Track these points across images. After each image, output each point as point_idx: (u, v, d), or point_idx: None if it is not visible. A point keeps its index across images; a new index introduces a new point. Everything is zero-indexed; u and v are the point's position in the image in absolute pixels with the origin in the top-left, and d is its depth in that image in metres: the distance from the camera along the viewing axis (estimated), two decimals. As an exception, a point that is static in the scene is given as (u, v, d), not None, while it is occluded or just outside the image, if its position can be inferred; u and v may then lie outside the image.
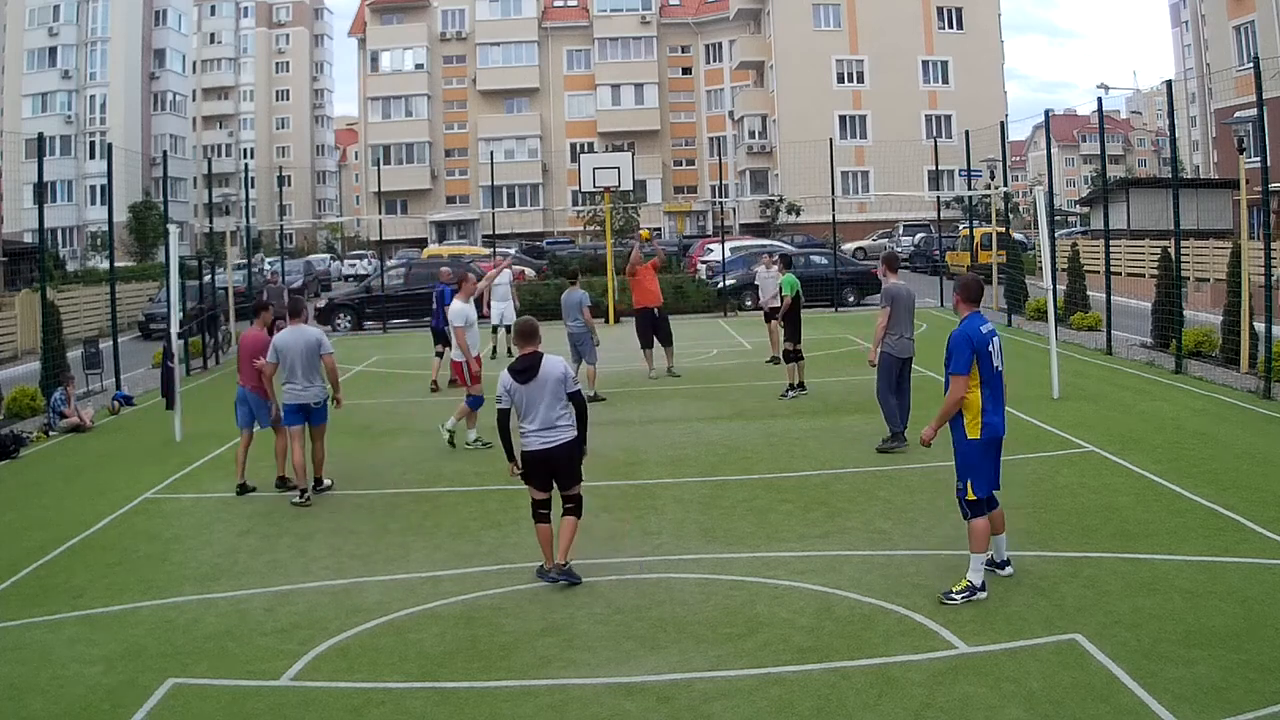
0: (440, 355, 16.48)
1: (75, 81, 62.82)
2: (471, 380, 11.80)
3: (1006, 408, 6.89)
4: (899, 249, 45.33)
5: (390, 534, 8.48)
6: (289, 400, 9.82)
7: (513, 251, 40.60)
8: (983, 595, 6.46)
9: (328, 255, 61.08)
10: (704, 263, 34.04)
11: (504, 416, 7.16)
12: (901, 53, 59.19)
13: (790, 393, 14.16)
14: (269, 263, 34.26)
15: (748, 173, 63.88)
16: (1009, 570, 6.82)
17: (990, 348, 6.70)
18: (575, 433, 7.06)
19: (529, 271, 34.30)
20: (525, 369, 6.97)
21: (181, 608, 6.91)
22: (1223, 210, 31.90)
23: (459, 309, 12.14)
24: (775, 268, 16.33)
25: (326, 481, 10.12)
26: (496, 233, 32.71)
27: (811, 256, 30.48)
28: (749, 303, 28.03)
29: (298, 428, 9.78)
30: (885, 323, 10.84)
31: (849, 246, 44.88)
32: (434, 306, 17.28)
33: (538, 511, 7.14)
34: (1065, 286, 21.19)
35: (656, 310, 16.35)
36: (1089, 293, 21.17)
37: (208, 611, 6.81)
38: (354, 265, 52.90)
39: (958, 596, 6.43)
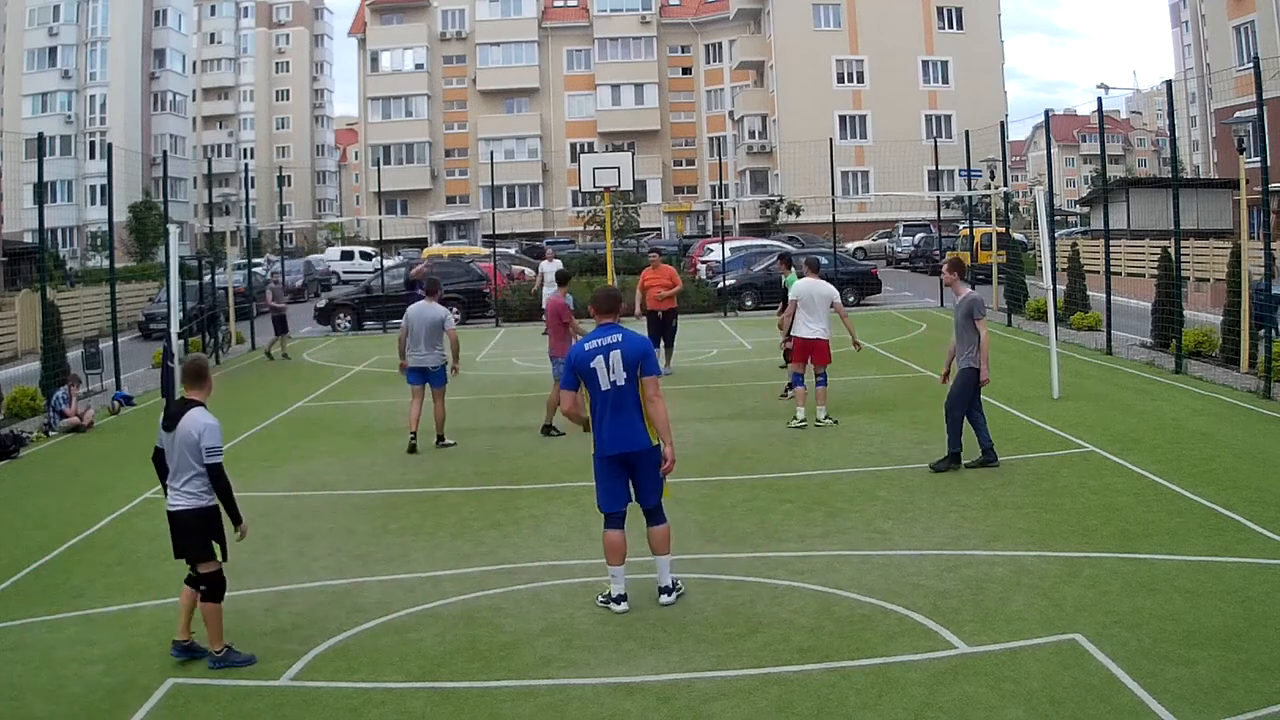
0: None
1: (75, 81, 62.82)
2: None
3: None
4: (899, 249, 45.40)
5: (390, 534, 8.47)
6: (412, 364, 11.61)
7: (513, 251, 40.66)
8: (618, 608, 6.43)
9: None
10: (704, 263, 34.07)
11: (156, 456, 6.23)
12: (901, 53, 59.17)
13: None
14: (269, 260, 34.25)
15: (748, 173, 63.87)
16: (665, 599, 6.56)
17: (594, 364, 6.43)
18: (205, 502, 5.98)
19: (529, 272, 34.32)
20: (170, 416, 6.07)
21: (181, 608, 6.90)
22: (1223, 210, 31.90)
23: (800, 285, 12.50)
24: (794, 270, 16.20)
25: (449, 440, 11.74)
26: (496, 233, 32.67)
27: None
28: (749, 302, 28.09)
29: (419, 386, 11.59)
30: (987, 336, 9.65)
31: (850, 246, 44.91)
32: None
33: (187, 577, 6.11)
34: (1065, 286, 21.19)
35: (660, 314, 16.54)
36: (1089, 293, 21.16)
37: (208, 611, 6.80)
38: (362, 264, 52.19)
39: (610, 604, 6.47)
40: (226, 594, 7.15)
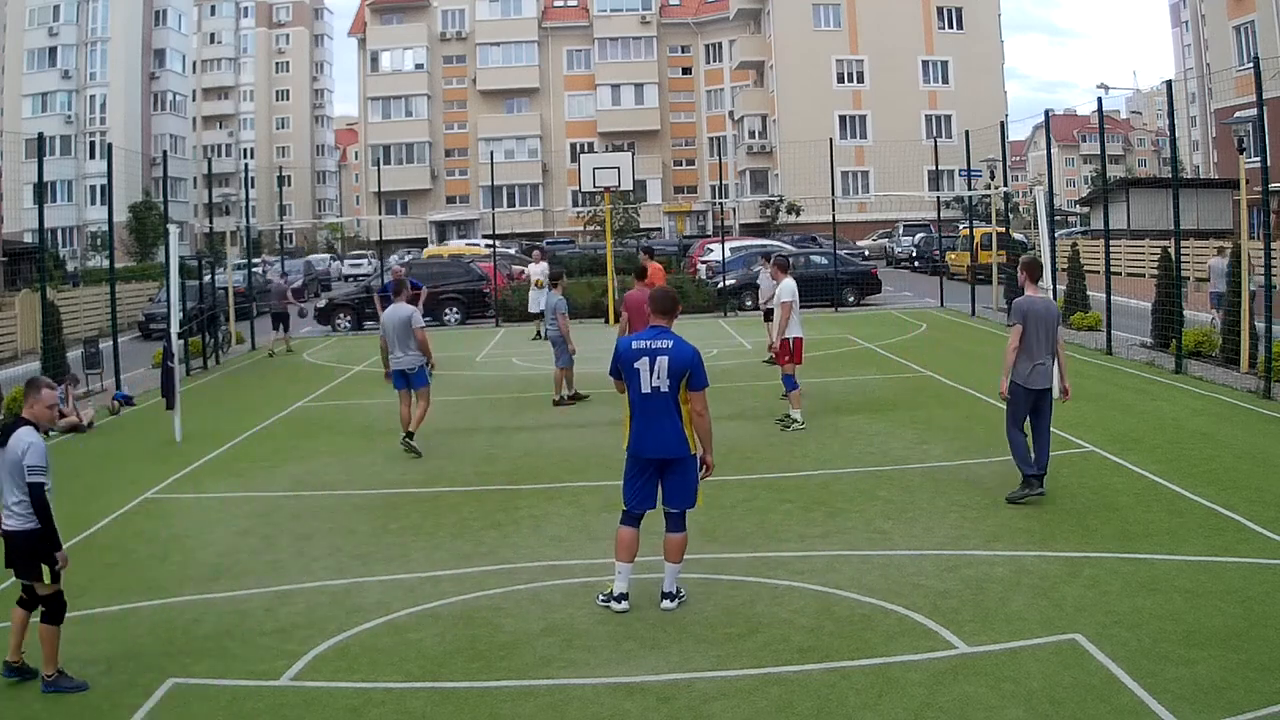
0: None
1: (75, 81, 62.81)
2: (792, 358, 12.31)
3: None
4: (899, 249, 45.40)
5: (390, 534, 8.47)
6: (393, 367, 11.52)
7: (513, 251, 40.69)
8: (618, 606, 6.41)
9: (328, 255, 61.04)
10: (704, 263, 34.06)
11: None
12: (901, 53, 59.21)
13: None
14: (266, 261, 34.28)
15: (748, 173, 63.89)
16: (665, 604, 6.46)
17: (638, 364, 6.35)
18: (34, 524, 5.68)
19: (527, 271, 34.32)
20: (3, 430, 5.86)
21: (181, 608, 6.91)
22: (1223, 210, 31.94)
23: (790, 286, 12.46)
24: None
25: (415, 443, 11.34)
26: (496, 233, 32.67)
27: (811, 256, 30.52)
28: (749, 302, 28.09)
29: (404, 390, 11.51)
30: (1016, 344, 8.76)
31: (861, 244, 45.05)
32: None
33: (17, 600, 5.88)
34: (1065, 286, 21.18)
35: None
36: (1089, 293, 21.16)
37: (208, 611, 6.81)
38: (358, 265, 52.07)
39: (610, 603, 6.48)
40: (226, 594, 7.16)
